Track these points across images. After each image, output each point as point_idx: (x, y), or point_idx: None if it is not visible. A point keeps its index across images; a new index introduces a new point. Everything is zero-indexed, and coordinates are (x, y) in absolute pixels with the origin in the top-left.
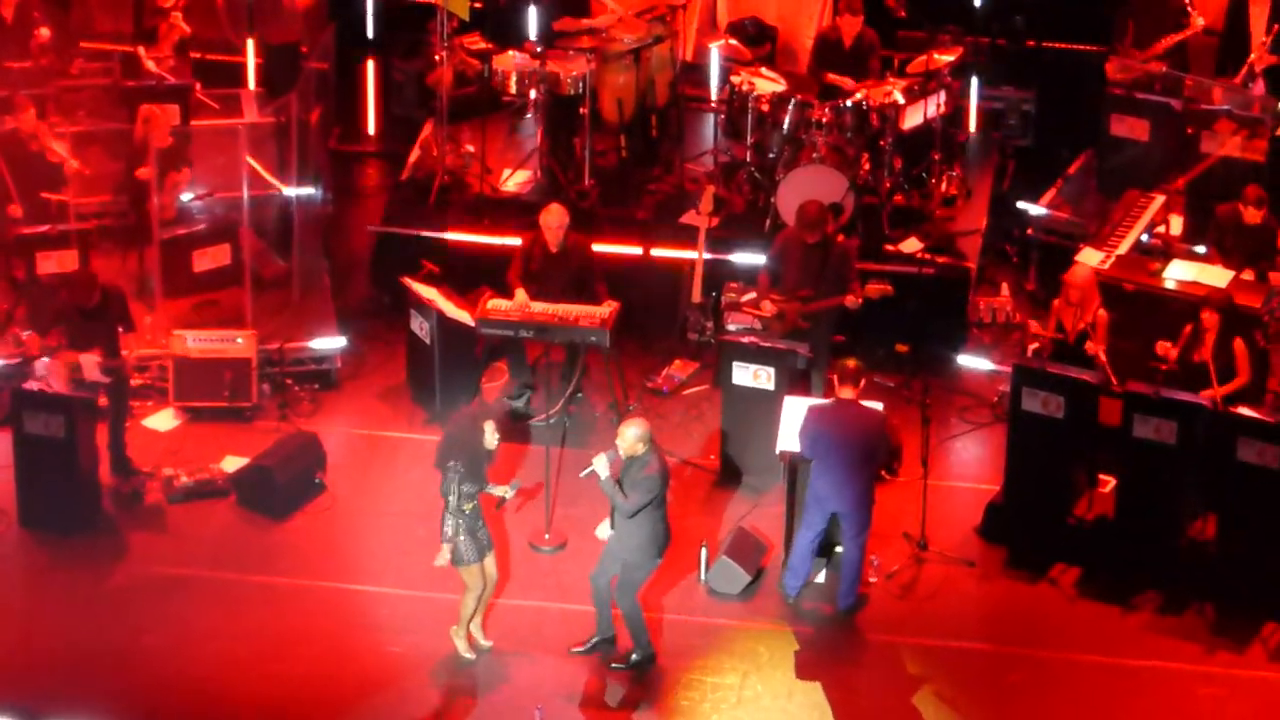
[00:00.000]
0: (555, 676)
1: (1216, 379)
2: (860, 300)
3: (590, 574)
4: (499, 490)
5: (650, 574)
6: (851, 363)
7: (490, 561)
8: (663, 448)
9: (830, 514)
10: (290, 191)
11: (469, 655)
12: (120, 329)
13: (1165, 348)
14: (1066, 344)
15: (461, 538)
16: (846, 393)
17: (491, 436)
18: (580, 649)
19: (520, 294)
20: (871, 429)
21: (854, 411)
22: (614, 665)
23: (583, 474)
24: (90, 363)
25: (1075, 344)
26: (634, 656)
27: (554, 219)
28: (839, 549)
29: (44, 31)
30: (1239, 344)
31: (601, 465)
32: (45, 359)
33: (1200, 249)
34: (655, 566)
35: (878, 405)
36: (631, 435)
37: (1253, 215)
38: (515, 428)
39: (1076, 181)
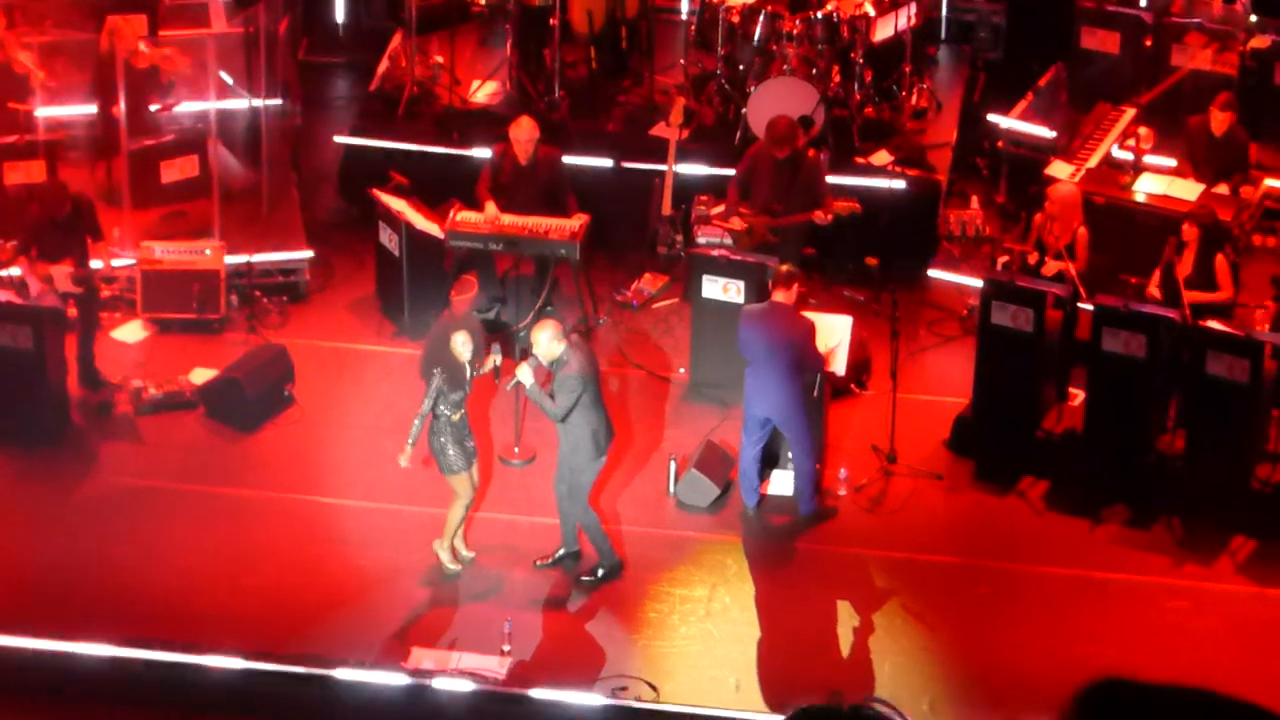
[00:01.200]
0: (524, 589)
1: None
2: (829, 217)
3: (553, 480)
4: (486, 365)
5: (596, 474)
6: (785, 266)
7: (474, 470)
8: (632, 360)
9: (767, 421)
10: (259, 102)
11: (454, 567)
12: (89, 239)
13: (1152, 284)
14: (1041, 259)
15: (451, 448)
16: (779, 296)
17: (463, 348)
18: (545, 562)
19: (490, 207)
20: (798, 336)
21: (783, 316)
22: (583, 579)
23: (508, 386)
24: (62, 274)
25: (1056, 260)
26: (600, 571)
27: (524, 132)
28: (789, 457)
29: None
30: (1220, 260)
31: (525, 374)
32: (17, 271)
33: (1171, 161)
34: (600, 465)
35: (845, 316)
36: (545, 339)
37: (1218, 122)
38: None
39: (1047, 94)
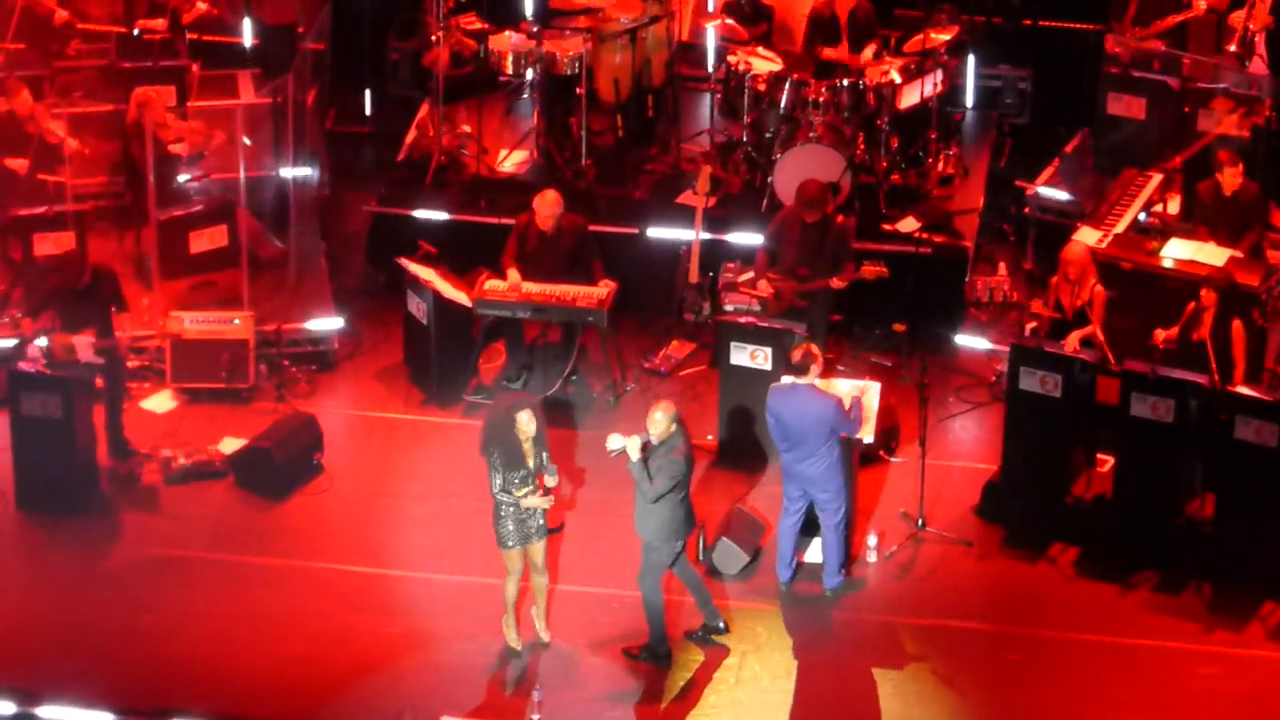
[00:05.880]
0: (553, 658)
1: (1215, 357)
2: (844, 283)
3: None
4: (538, 501)
5: (670, 558)
6: (797, 352)
7: (537, 550)
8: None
9: (804, 495)
10: (287, 172)
11: (516, 646)
12: (113, 309)
13: (1163, 335)
14: (1065, 322)
15: (509, 523)
16: (802, 379)
17: (528, 424)
18: (635, 654)
19: (512, 274)
20: (822, 412)
21: (803, 396)
22: (626, 651)
23: (612, 451)
24: (83, 344)
25: (1074, 322)
26: (645, 651)
27: (546, 206)
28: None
29: (62, 14)
30: (1237, 326)
31: (634, 447)
32: (39, 341)
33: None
34: (676, 551)
35: (873, 382)
36: (664, 419)
37: (1230, 179)
38: None
39: (1073, 160)
